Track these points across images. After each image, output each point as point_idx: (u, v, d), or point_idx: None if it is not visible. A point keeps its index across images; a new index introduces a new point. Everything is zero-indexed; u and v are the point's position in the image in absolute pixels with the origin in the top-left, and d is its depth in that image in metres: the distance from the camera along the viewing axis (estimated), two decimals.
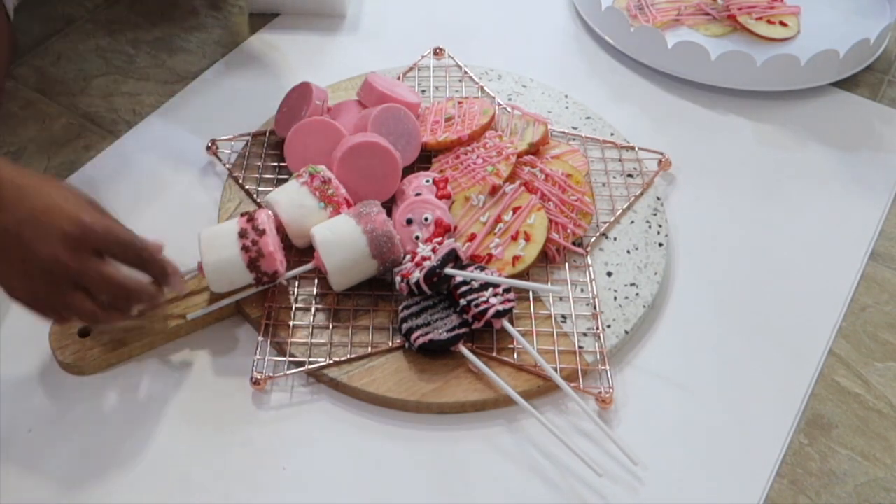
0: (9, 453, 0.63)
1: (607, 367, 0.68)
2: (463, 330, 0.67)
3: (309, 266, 0.70)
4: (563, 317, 0.71)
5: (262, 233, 0.67)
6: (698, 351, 0.72)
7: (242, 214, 0.69)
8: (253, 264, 0.67)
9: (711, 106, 0.94)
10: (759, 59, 0.91)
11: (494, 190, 0.77)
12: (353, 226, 0.69)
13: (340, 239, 0.68)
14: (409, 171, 0.79)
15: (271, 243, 0.67)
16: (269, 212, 0.70)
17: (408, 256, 0.70)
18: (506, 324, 0.68)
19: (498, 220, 0.75)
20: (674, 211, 0.82)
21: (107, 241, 0.60)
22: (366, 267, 0.69)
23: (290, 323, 0.70)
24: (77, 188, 0.62)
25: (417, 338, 0.67)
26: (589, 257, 0.76)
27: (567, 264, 0.75)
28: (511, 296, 0.69)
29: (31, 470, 0.63)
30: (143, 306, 0.64)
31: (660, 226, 0.79)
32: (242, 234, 0.67)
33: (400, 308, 0.69)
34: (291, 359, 0.68)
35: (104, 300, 0.61)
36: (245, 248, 0.66)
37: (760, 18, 1.02)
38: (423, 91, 0.91)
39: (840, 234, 0.81)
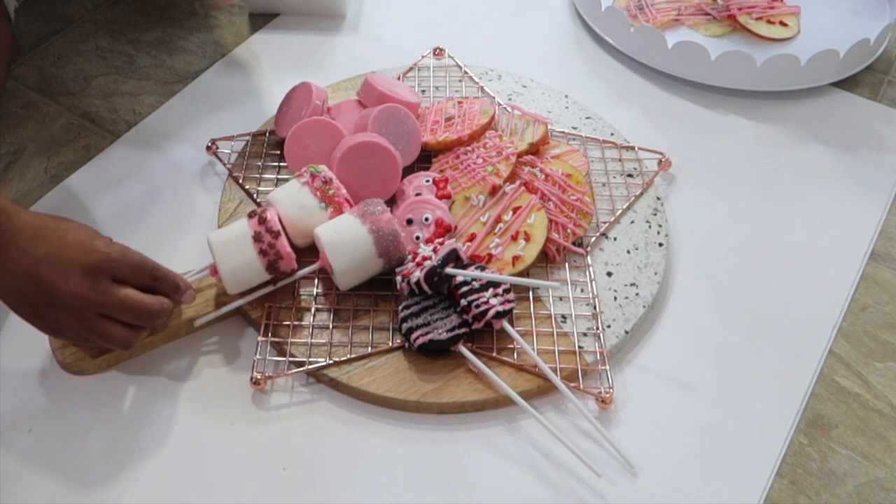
0: (9, 453, 0.63)
1: (607, 367, 0.68)
2: (463, 330, 0.67)
3: (315, 267, 0.71)
4: (563, 317, 0.71)
5: (276, 234, 0.67)
6: (698, 351, 0.72)
7: (250, 215, 0.69)
8: (272, 266, 0.68)
9: (711, 106, 0.94)
10: (759, 59, 0.91)
11: (494, 190, 0.77)
12: (358, 226, 0.69)
13: (347, 240, 0.68)
14: (409, 171, 0.79)
15: (287, 244, 0.68)
16: (275, 209, 0.71)
17: (409, 256, 0.70)
18: (506, 325, 0.68)
19: (498, 220, 0.75)
20: (674, 211, 0.82)
21: (122, 266, 0.62)
22: (372, 266, 0.69)
23: (290, 323, 0.70)
24: (89, 225, 0.64)
25: (417, 338, 0.67)
26: (589, 257, 0.76)
27: (567, 264, 0.75)
28: (511, 296, 0.69)
29: (31, 470, 0.63)
30: (161, 322, 0.66)
31: (660, 226, 0.79)
32: (257, 238, 0.67)
33: (400, 308, 0.69)
34: (291, 359, 0.68)
35: (127, 322, 0.63)
36: (263, 252, 0.67)
37: (760, 18, 1.02)
38: (423, 91, 0.91)
39: (840, 234, 0.81)
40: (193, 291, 0.68)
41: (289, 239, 0.73)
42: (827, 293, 0.76)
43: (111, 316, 0.62)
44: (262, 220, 0.68)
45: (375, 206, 0.70)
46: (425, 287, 0.67)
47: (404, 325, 0.68)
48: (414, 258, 0.69)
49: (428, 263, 0.67)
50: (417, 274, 0.67)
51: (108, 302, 0.61)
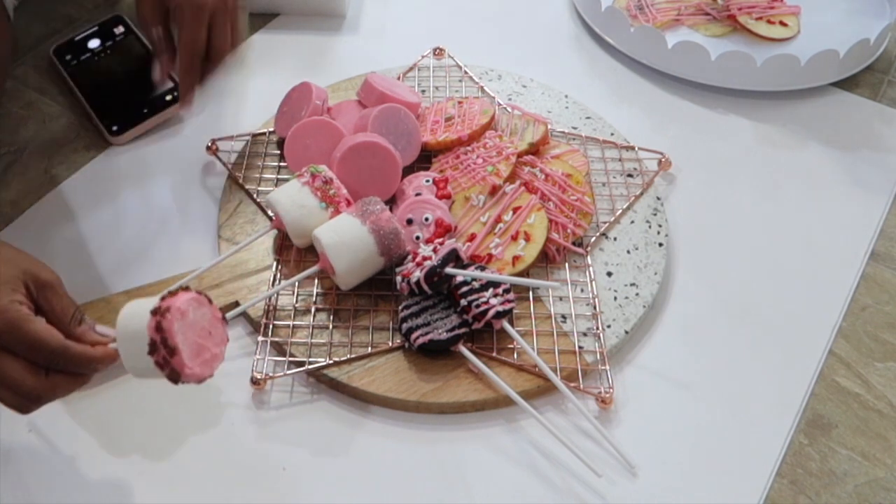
0: (9, 453, 0.63)
1: (607, 367, 0.68)
2: (463, 330, 0.67)
3: (315, 269, 0.70)
4: (563, 317, 0.71)
5: (172, 351, 0.54)
6: (698, 351, 0.72)
7: (153, 312, 0.54)
8: (173, 379, 0.55)
9: (711, 106, 0.94)
10: (759, 59, 0.91)
11: (494, 190, 0.77)
12: (358, 226, 0.69)
13: (349, 241, 0.68)
14: (409, 171, 0.79)
15: (187, 357, 0.54)
16: (186, 304, 0.55)
17: (409, 256, 0.70)
18: (506, 325, 0.68)
19: (498, 220, 0.75)
20: (674, 211, 0.82)
21: (8, 340, 0.53)
22: (374, 265, 0.69)
23: (290, 323, 0.70)
24: (16, 253, 0.56)
25: (417, 338, 0.67)
26: (589, 257, 0.76)
27: (567, 264, 0.75)
28: (511, 296, 0.69)
29: (31, 470, 0.63)
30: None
31: (660, 226, 0.79)
32: (153, 349, 0.54)
33: (400, 308, 0.69)
34: (291, 359, 0.68)
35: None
36: (159, 365, 0.54)
37: (760, 18, 1.02)
38: (423, 91, 0.91)
39: (840, 234, 0.81)
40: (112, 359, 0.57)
41: (289, 239, 0.73)
42: (827, 293, 0.76)
43: None
44: (160, 329, 0.54)
45: (374, 204, 0.70)
46: (425, 287, 0.67)
47: (404, 325, 0.68)
48: (414, 258, 0.69)
49: (428, 263, 0.67)
50: (417, 274, 0.67)
51: None
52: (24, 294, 0.55)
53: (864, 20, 1.04)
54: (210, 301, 0.58)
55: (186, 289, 0.56)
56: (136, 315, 0.55)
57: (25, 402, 0.55)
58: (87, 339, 0.57)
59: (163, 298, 0.55)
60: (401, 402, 0.66)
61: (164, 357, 0.54)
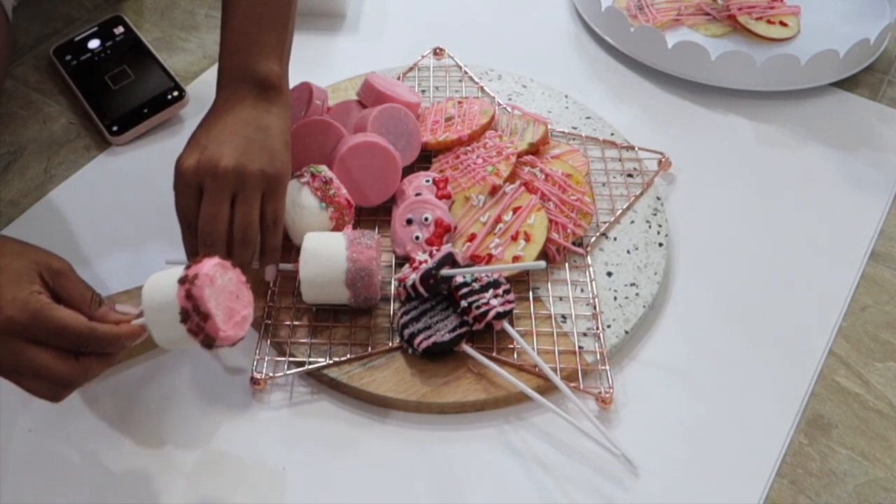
0: (9, 453, 0.63)
1: (607, 367, 0.68)
2: (464, 329, 0.67)
3: (290, 267, 0.69)
4: (563, 317, 0.71)
5: (205, 317, 0.54)
6: (698, 350, 0.72)
7: (181, 280, 0.55)
8: (207, 344, 0.56)
9: (711, 106, 0.94)
10: (759, 59, 0.91)
11: (494, 190, 0.77)
12: (341, 249, 0.67)
13: (325, 257, 0.67)
14: (409, 171, 0.79)
15: (221, 321, 0.55)
16: (212, 270, 0.56)
17: (406, 264, 0.70)
18: (506, 325, 0.68)
19: (498, 220, 0.75)
20: (674, 211, 0.82)
21: (33, 330, 0.53)
22: (336, 291, 0.68)
23: (290, 323, 0.70)
24: (25, 246, 0.57)
25: (421, 342, 0.66)
26: (589, 257, 0.76)
27: (567, 264, 0.75)
28: (511, 297, 0.69)
29: (31, 470, 0.63)
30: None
31: (660, 226, 0.79)
32: (185, 317, 0.55)
33: (399, 314, 0.69)
34: (291, 359, 0.68)
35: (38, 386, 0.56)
36: (192, 332, 0.55)
37: (760, 18, 1.02)
38: (423, 91, 0.91)
39: (840, 234, 0.81)
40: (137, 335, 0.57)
41: (288, 238, 0.73)
42: (827, 293, 0.76)
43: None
44: (191, 297, 0.54)
45: (368, 238, 0.68)
46: (421, 289, 0.67)
47: (406, 332, 0.67)
48: (411, 264, 0.69)
49: (423, 266, 0.67)
50: (413, 277, 0.67)
51: (17, 367, 0.54)
52: (40, 284, 0.55)
53: (864, 20, 1.04)
54: (234, 266, 0.58)
55: (209, 255, 0.57)
56: (162, 286, 0.56)
57: (58, 389, 0.56)
58: (109, 319, 0.57)
59: (187, 267, 0.55)
60: (401, 402, 0.66)
61: (198, 324, 0.55)
